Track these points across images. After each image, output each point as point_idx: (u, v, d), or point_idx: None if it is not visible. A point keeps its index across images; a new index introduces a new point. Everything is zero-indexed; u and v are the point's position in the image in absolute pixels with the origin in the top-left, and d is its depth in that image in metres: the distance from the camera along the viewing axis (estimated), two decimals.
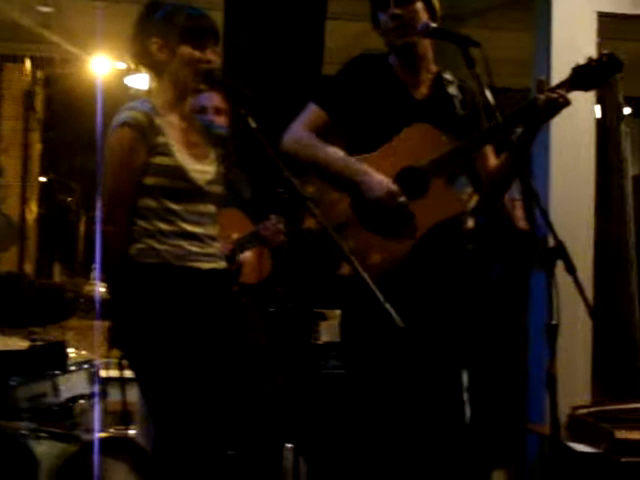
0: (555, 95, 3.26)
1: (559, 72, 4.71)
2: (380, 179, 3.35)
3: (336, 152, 3.45)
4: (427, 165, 3.37)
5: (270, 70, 5.46)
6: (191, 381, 3.17)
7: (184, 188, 3.22)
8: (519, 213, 5.14)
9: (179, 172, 3.20)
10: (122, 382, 5.22)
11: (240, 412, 3.47)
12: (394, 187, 3.35)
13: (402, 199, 3.34)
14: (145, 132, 3.18)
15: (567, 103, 3.29)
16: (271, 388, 4.59)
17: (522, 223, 5.15)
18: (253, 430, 4.31)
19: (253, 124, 3.04)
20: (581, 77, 3.30)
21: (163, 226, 3.21)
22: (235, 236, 4.53)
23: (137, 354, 3.24)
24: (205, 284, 3.27)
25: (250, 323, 4.67)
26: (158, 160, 3.19)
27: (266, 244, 4.55)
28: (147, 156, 3.18)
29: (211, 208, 3.32)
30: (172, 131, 3.25)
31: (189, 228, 3.23)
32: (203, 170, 3.28)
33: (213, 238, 3.34)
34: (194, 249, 3.24)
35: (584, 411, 3.87)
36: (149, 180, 3.19)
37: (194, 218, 3.25)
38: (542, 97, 3.26)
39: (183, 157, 3.23)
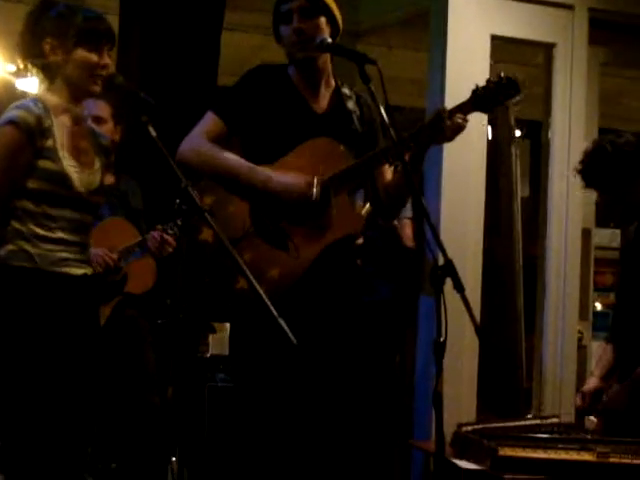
0: (459, 121, 3.30)
1: (452, 93, 4.78)
2: (289, 177, 3.33)
3: (236, 158, 3.42)
4: (329, 179, 3.36)
5: (164, 78, 5.41)
6: (54, 390, 3.09)
7: (65, 195, 3.14)
8: (407, 232, 5.19)
9: (63, 178, 3.12)
10: None
11: (125, 425, 3.40)
12: (308, 179, 3.33)
13: (316, 189, 3.31)
14: (32, 134, 3.09)
15: (464, 127, 3.34)
16: (158, 401, 4.54)
17: (410, 242, 5.19)
18: (138, 443, 4.25)
19: (153, 132, 2.99)
20: (481, 99, 3.34)
21: (38, 230, 3.12)
22: (121, 245, 4.48)
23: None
24: (76, 289, 3.20)
25: (136, 335, 4.62)
26: (43, 164, 3.11)
27: (152, 254, 4.51)
28: (32, 158, 3.10)
29: (89, 218, 3.25)
30: (62, 135, 3.17)
31: (64, 235, 3.16)
32: (87, 178, 3.21)
33: (85, 246, 3.27)
34: (66, 255, 3.17)
35: (469, 428, 3.90)
36: (31, 183, 3.11)
37: (71, 225, 3.18)
38: (448, 122, 3.29)
39: (69, 163, 3.15)
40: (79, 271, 3.21)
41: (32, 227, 3.12)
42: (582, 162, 3.90)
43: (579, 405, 3.99)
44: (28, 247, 3.12)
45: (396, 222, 5.12)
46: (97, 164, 3.28)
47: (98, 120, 4.41)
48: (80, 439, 3.18)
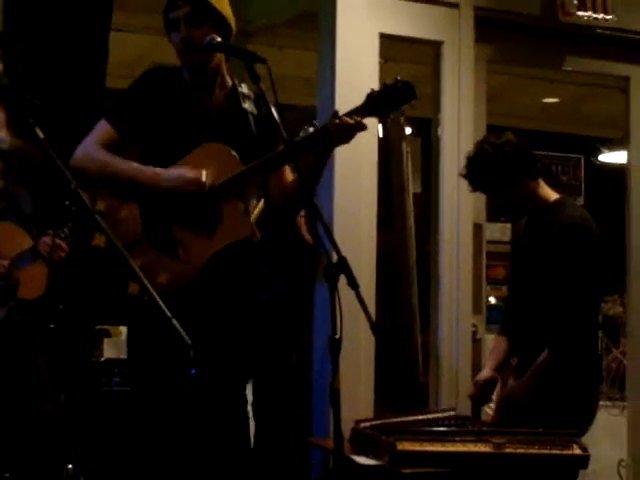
0: (351, 121, 3.29)
1: (342, 91, 4.80)
2: (179, 170, 3.31)
3: (127, 161, 3.39)
4: (219, 185, 3.34)
5: (51, 80, 5.32)
6: None
7: None
8: (304, 228, 5.19)
9: None
10: None
11: (17, 434, 3.34)
12: (196, 173, 3.30)
13: (205, 179, 3.29)
14: None
15: (363, 127, 3.33)
16: (50, 408, 4.47)
17: (307, 236, 5.20)
18: (31, 451, 4.18)
19: (41, 134, 2.93)
20: (375, 103, 3.33)
21: None
22: (12, 252, 4.40)
23: None
24: None
25: (27, 341, 4.55)
26: None
27: (44, 260, 4.43)
28: None
29: None
30: None
31: None
32: None
33: None
34: None
35: (367, 424, 3.92)
36: None
37: None
38: (336, 121, 3.29)
39: None
40: None
41: None
42: (466, 167, 3.95)
43: (472, 394, 4.06)
44: None
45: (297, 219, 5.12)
46: None
47: None
48: None
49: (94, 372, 5.33)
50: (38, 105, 3.02)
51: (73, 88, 5.39)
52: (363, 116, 3.33)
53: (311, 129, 3.34)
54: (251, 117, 3.51)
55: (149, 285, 2.68)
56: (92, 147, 3.41)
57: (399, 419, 4.12)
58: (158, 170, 3.34)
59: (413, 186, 6.20)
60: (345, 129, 3.31)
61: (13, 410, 3.27)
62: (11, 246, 4.42)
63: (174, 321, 2.60)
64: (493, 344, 4.23)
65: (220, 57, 3.48)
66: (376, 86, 3.39)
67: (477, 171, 3.90)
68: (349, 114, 3.32)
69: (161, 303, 2.63)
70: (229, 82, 3.55)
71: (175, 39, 3.42)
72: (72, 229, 4.39)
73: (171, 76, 3.49)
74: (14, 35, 5.34)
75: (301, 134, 3.35)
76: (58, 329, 4.74)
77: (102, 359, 5.54)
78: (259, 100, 3.53)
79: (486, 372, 4.05)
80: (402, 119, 5.98)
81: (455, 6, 5.26)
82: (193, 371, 2.67)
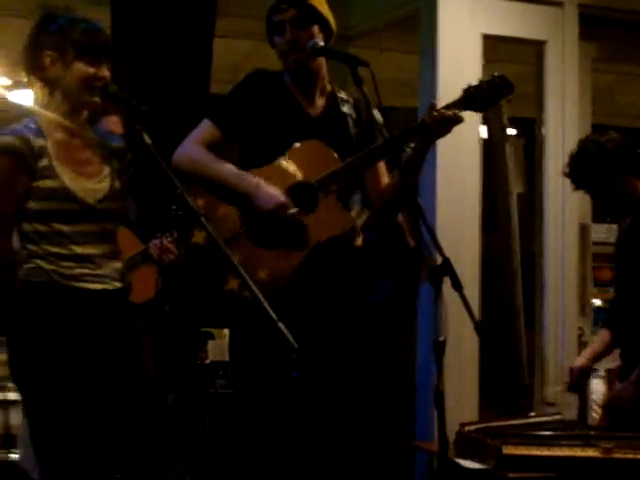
0: (449, 113, 3.29)
1: (445, 93, 4.77)
2: (271, 191, 3.33)
3: (228, 166, 3.42)
4: (317, 181, 3.36)
5: (157, 87, 5.41)
6: (75, 404, 3.10)
7: (73, 209, 3.14)
8: (406, 231, 5.18)
9: (65, 194, 3.12)
10: (5, 404, 5.10)
11: (128, 435, 3.39)
12: (285, 199, 3.33)
13: (293, 210, 3.32)
14: (24, 158, 3.08)
15: (460, 120, 3.32)
16: (159, 410, 4.54)
17: (410, 240, 5.19)
18: (141, 453, 4.24)
19: (148, 140, 2.99)
20: (472, 98, 3.33)
21: (53, 249, 3.12)
22: (125, 255, 4.48)
23: (20, 374, 3.16)
24: (93, 305, 3.19)
25: (141, 345, 4.63)
26: (42, 184, 3.10)
27: (156, 263, 4.50)
28: (29, 181, 3.10)
29: (107, 226, 3.24)
30: (57, 151, 3.15)
31: (79, 250, 3.15)
32: (94, 188, 3.20)
33: (109, 257, 3.26)
34: (84, 271, 3.16)
35: (472, 427, 3.90)
36: (35, 205, 3.10)
37: (86, 239, 3.17)
38: (434, 114, 3.29)
39: (70, 177, 3.14)
40: (98, 286, 3.20)
41: (45, 247, 3.13)
42: (569, 165, 3.95)
43: (568, 382, 4.03)
44: (44, 264, 3.12)
45: (400, 221, 5.10)
46: (105, 171, 3.26)
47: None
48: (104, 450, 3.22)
49: (199, 374, 5.39)
50: (146, 112, 3.07)
51: (179, 93, 5.47)
52: (460, 110, 3.33)
53: None
54: (350, 120, 3.53)
55: (252, 284, 2.71)
56: (194, 147, 3.45)
57: (504, 422, 4.09)
58: (259, 182, 3.35)
59: (516, 186, 6.15)
60: (443, 122, 3.31)
61: (124, 412, 3.33)
62: (125, 250, 4.51)
63: (280, 324, 2.62)
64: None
65: (321, 61, 3.50)
66: None
67: (579, 169, 3.90)
68: (446, 107, 3.32)
69: (265, 303, 2.65)
70: (328, 86, 3.57)
71: (279, 42, 3.45)
72: (178, 231, 4.46)
73: (273, 80, 3.52)
74: (121, 44, 5.44)
75: None
76: (165, 331, 4.81)
77: (207, 361, 5.60)
78: (357, 104, 3.55)
79: (581, 360, 4.02)
80: (505, 120, 5.94)
81: (559, 4, 5.20)
82: (295, 374, 2.68)
